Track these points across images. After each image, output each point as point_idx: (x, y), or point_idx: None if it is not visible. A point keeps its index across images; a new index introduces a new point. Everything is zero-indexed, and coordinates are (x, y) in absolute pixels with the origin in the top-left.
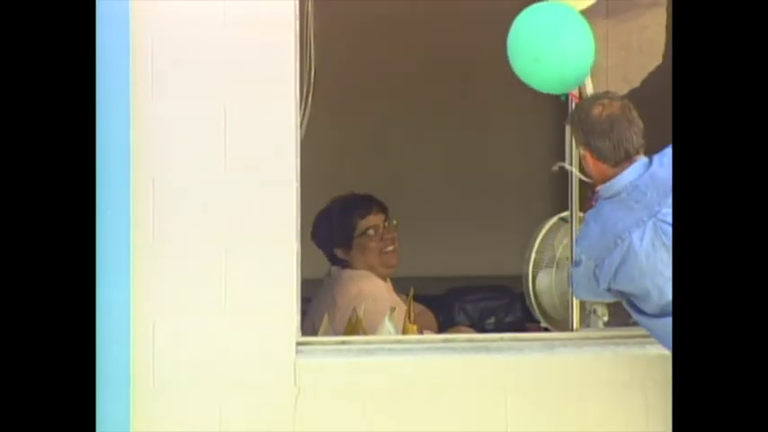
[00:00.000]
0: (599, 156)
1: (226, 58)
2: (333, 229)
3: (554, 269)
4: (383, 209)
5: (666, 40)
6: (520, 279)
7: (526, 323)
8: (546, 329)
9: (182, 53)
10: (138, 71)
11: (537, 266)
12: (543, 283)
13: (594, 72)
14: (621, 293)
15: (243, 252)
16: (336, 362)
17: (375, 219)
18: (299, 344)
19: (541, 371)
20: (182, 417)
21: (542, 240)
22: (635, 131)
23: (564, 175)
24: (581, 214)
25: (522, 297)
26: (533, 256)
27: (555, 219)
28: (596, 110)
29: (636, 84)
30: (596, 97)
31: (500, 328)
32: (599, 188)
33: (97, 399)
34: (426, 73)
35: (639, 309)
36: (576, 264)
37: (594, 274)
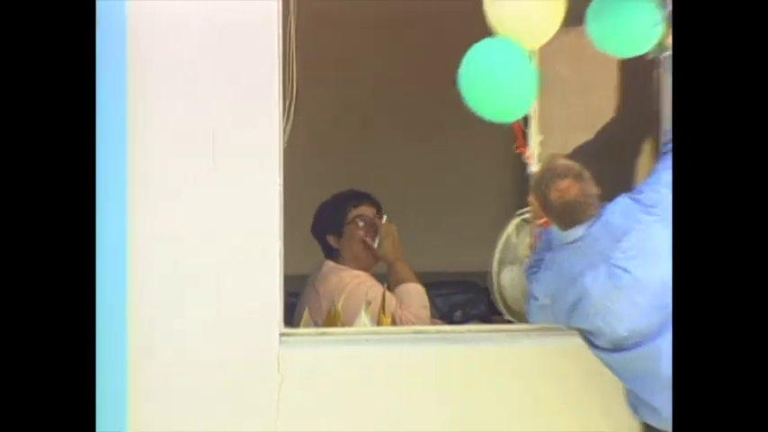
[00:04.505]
0: (556, 224)
1: (215, 68)
2: (329, 218)
3: (516, 266)
4: (376, 205)
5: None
6: (485, 275)
7: (491, 316)
8: (509, 321)
9: (171, 66)
10: (134, 76)
11: (501, 264)
12: (507, 279)
13: (552, 81)
14: (578, 329)
15: (231, 250)
16: (316, 352)
17: (366, 209)
18: (282, 335)
19: (506, 360)
20: (174, 400)
21: (506, 240)
22: (591, 203)
23: (526, 180)
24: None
25: (487, 292)
26: (498, 254)
27: (518, 220)
28: (554, 195)
29: (591, 93)
30: (556, 173)
31: (467, 320)
32: (558, 236)
33: (97, 377)
34: (403, 80)
35: (594, 344)
36: (534, 299)
37: (552, 311)
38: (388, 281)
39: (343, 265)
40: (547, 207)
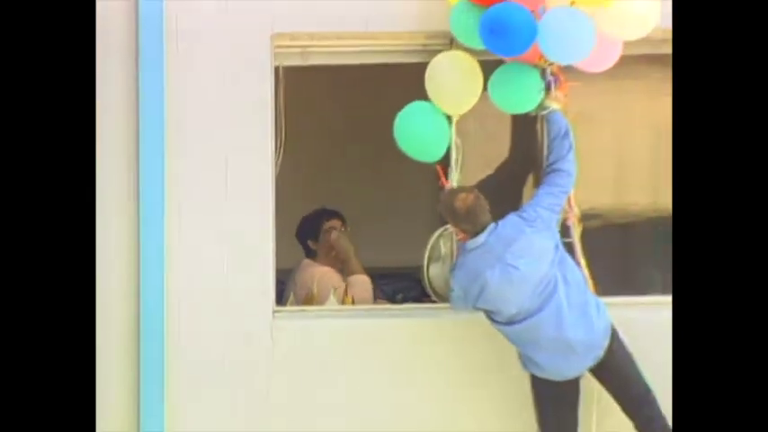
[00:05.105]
0: (464, 232)
1: (229, 127)
2: (308, 227)
3: (440, 263)
4: (342, 219)
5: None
6: (419, 269)
7: (422, 298)
8: (435, 302)
9: (201, 125)
10: (172, 130)
11: (429, 261)
12: (434, 272)
13: (465, 133)
14: (483, 309)
15: (238, 250)
16: (299, 323)
17: (335, 222)
18: (274, 311)
19: (432, 329)
20: (196, 357)
21: (433, 243)
22: (486, 211)
23: None
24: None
25: (420, 281)
26: (427, 253)
27: (441, 230)
28: (457, 203)
29: (492, 140)
30: (455, 191)
31: (405, 300)
32: (465, 243)
33: (141, 339)
34: (363, 129)
35: (494, 319)
36: (452, 290)
37: (465, 299)
38: (344, 273)
39: (318, 262)
40: (456, 217)
